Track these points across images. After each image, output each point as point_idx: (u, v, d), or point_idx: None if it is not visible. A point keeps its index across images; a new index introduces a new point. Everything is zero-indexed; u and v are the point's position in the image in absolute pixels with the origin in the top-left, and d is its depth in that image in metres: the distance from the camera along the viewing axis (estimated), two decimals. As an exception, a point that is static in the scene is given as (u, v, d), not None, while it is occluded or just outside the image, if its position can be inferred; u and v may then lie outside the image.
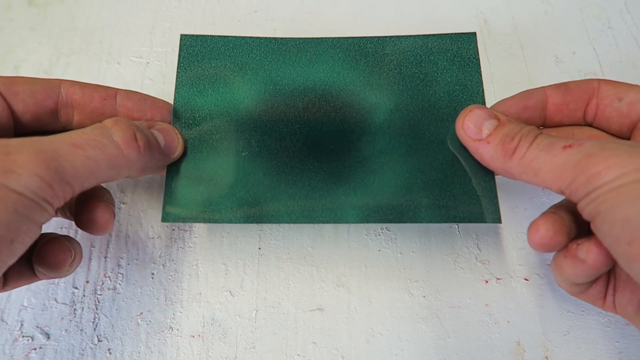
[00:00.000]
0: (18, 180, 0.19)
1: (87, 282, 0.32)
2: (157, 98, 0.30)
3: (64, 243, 0.25)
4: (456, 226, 0.33)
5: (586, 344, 0.29)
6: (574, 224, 0.24)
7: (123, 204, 0.34)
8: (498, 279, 0.31)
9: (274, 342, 0.30)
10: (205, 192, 0.28)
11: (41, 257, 0.24)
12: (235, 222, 0.28)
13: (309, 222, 0.27)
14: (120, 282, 0.32)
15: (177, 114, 0.29)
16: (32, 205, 0.20)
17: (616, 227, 0.19)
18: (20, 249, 0.21)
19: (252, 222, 0.27)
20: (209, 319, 0.30)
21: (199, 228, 0.33)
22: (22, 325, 0.30)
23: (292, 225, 0.33)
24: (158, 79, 0.39)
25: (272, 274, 0.32)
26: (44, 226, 0.23)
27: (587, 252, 0.22)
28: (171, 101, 0.31)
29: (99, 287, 0.31)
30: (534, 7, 0.41)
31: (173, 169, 0.29)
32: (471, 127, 0.26)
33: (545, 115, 0.27)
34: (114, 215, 0.27)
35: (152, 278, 0.32)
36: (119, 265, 0.32)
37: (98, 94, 0.28)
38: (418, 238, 0.32)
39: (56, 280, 0.32)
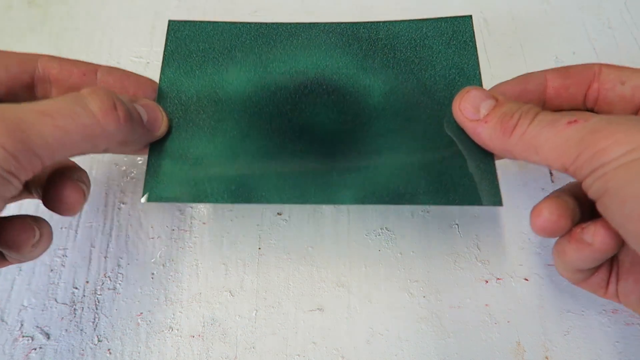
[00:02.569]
0: None
1: (87, 282, 0.32)
2: (140, 75, 0.28)
3: (27, 222, 0.23)
4: (456, 226, 0.33)
5: (586, 344, 0.29)
6: (578, 209, 0.23)
7: (123, 204, 0.34)
8: (498, 279, 0.31)
9: (274, 342, 0.30)
10: (191, 171, 0.27)
11: (2, 234, 0.22)
12: (222, 202, 0.27)
13: (301, 203, 0.26)
14: (120, 282, 0.32)
15: (162, 94, 0.29)
16: None
17: (627, 204, 0.18)
18: None
19: (240, 202, 0.26)
20: (209, 319, 0.30)
21: (199, 228, 0.33)
22: (22, 325, 0.30)
23: (292, 225, 0.33)
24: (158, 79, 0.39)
25: (272, 274, 0.32)
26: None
27: (594, 235, 0.21)
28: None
29: (99, 287, 0.31)
30: (534, 7, 0.41)
31: (156, 147, 0.27)
32: (468, 108, 0.25)
33: (545, 99, 0.27)
34: (85, 196, 0.25)
35: (152, 278, 0.32)
36: (119, 265, 0.32)
37: (77, 69, 0.27)
38: (418, 238, 0.32)
39: (56, 280, 0.32)
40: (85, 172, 0.27)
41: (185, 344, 0.30)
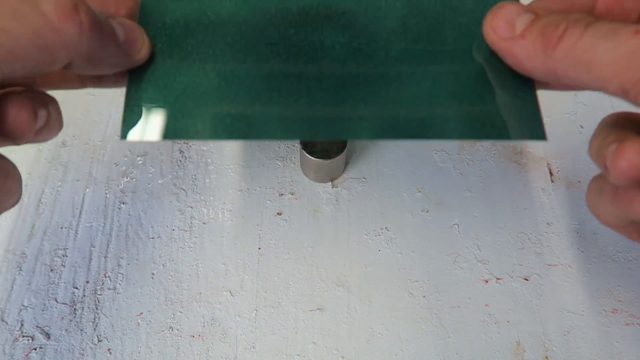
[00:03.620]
0: None
1: (87, 282, 0.32)
2: None
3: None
4: (456, 226, 0.33)
5: (586, 344, 0.29)
6: None
7: (123, 204, 0.34)
8: (498, 279, 0.31)
9: (274, 342, 0.30)
10: (177, 103, 0.23)
11: None
12: (215, 139, 0.24)
13: (310, 137, 0.23)
14: (120, 282, 0.32)
15: (144, 15, 0.25)
16: None
17: None
18: None
19: (236, 139, 0.23)
20: (209, 319, 0.30)
21: (199, 228, 0.33)
22: (22, 325, 0.30)
23: (292, 225, 0.33)
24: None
25: (272, 274, 0.32)
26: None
27: None
28: None
29: (99, 287, 0.31)
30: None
31: (136, 75, 0.24)
32: (501, 25, 0.21)
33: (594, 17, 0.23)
34: (36, 115, 0.20)
35: (152, 278, 0.32)
36: (119, 265, 0.32)
37: None
38: (418, 238, 0.32)
39: (56, 280, 0.32)
40: (54, 99, 0.22)
41: (185, 344, 0.30)
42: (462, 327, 0.29)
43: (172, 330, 0.30)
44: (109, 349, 0.30)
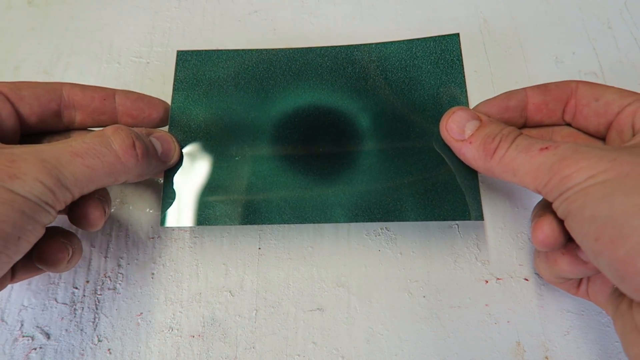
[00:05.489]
0: (22, 185, 0.21)
1: (87, 282, 0.32)
2: (152, 97, 0.32)
3: (62, 241, 0.26)
4: (456, 226, 0.33)
5: (586, 344, 0.29)
6: None
7: (123, 204, 0.34)
8: (498, 279, 0.31)
9: (274, 342, 0.30)
10: (201, 196, 0.29)
11: (40, 255, 0.25)
12: (230, 224, 0.29)
13: (300, 222, 0.28)
14: (120, 282, 0.32)
15: (173, 123, 0.31)
16: (36, 207, 0.22)
17: (584, 225, 0.21)
18: (26, 247, 0.22)
19: (245, 224, 0.29)
20: (209, 319, 0.30)
21: (199, 228, 0.33)
22: (22, 325, 0.30)
23: (292, 225, 0.33)
24: (158, 79, 0.39)
25: (272, 274, 0.32)
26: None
27: None
28: (168, 100, 0.32)
29: (99, 287, 0.31)
30: (534, 7, 0.41)
31: (170, 174, 0.30)
32: (454, 128, 0.27)
33: (526, 115, 0.28)
34: (105, 212, 0.28)
35: (152, 278, 0.32)
36: (119, 265, 0.32)
37: (98, 95, 0.30)
38: (418, 238, 0.32)
39: (56, 280, 0.32)
40: (107, 190, 0.30)
41: (185, 344, 0.30)
42: (462, 327, 0.29)
43: (172, 330, 0.30)
44: (109, 349, 0.30)
